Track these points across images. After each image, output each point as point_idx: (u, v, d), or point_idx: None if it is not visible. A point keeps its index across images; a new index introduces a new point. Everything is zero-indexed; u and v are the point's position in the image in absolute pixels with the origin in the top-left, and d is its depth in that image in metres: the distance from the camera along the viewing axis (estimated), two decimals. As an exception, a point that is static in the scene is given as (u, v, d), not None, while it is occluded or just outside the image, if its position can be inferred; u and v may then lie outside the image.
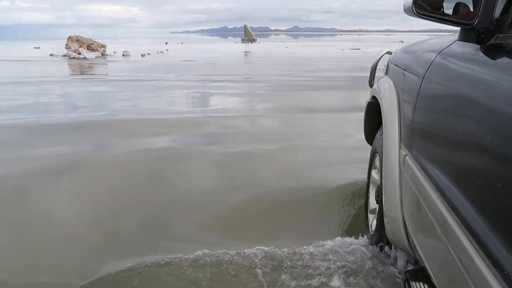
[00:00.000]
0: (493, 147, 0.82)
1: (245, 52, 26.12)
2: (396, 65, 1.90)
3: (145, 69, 14.32)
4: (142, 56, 20.90)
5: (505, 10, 1.03)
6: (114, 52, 22.52)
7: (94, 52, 19.84)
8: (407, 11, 1.21)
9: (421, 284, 1.34)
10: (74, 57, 18.77)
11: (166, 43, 44.73)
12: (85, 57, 18.57)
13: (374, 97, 2.13)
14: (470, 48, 1.13)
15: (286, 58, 18.90)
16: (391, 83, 1.84)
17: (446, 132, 1.11)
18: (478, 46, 1.08)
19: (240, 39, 49.99)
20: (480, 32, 1.08)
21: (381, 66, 2.28)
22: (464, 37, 1.19)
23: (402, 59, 1.85)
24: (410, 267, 1.75)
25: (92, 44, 20.33)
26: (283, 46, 35.23)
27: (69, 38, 20.13)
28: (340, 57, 20.62)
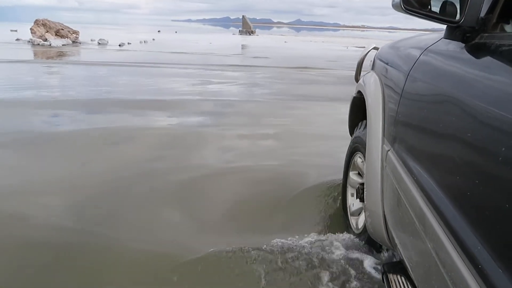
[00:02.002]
0: (473, 144, 0.83)
1: (237, 46, 22.84)
2: (382, 61, 1.89)
3: (99, 59, 12.00)
4: (119, 46, 18.48)
5: (490, 10, 1.03)
6: (91, 40, 20.18)
7: (63, 39, 17.41)
8: (395, 6, 1.21)
9: (399, 276, 1.33)
10: (39, 44, 16.37)
11: (158, 31, 42.36)
12: (50, 44, 16.11)
13: (359, 92, 2.13)
14: (455, 46, 1.14)
15: (280, 58, 15.26)
16: (377, 78, 1.84)
17: (428, 129, 1.12)
18: (463, 44, 1.09)
19: (238, 30, 47.22)
20: (466, 30, 1.08)
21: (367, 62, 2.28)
22: (450, 35, 1.20)
23: (388, 55, 1.84)
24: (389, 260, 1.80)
25: (62, 29, 17.84)
26: (281, 41, 32.08)
27: (36, 21, 17.68)
28: (345, 56, 17.26)
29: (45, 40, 16.71)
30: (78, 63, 11.21)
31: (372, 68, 2.06)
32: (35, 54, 13.41)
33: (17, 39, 18.49)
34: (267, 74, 9.92)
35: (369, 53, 2.36)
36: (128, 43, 19.91)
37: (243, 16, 45.78)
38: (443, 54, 1.22)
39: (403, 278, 1.32)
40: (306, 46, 26.21)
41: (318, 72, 10.85)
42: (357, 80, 2.35)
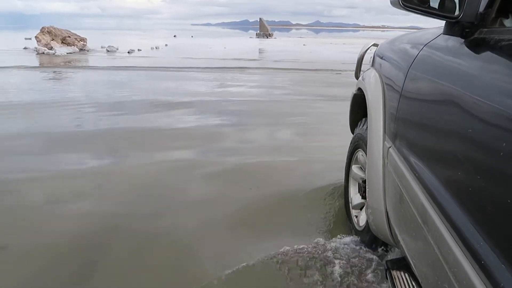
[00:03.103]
0: (473, 139, 0.82)
1: (252, 51, 20.46)
2: (381, 57, 1.88)
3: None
4: (128, 53, 17.59)
5: (489, 5, 1.03)
6: (102, 47, 19.39)
7: (69, 47, 16.46)
8: (394, 3, 1.19)
9: (402, 273, 1.33)
10: (43, 53, 15.53)
11: (174, 36, 41.73)
12: (55, 53, 15.22)
13: (359, 89, 2.12)
14: (455, 42, 1.13)
15: (300, 63, 13.53)
16: (377, 75, 1.83)
17: (428, 125, 1.11)
18: (462, 40, 1.08)
19: (255, 33, 45.98)
20: (465, 26, 1.07)
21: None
22: (449, 30, 1.19)
23: (388, 52, 1.83)
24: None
25: (68, 37, 16.87)
26: (300, 43, 29.72)
27: (42, 29, 16.83)
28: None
29: (51, 48, 15.85)
30: (73, 67, 10.90)
31: (372, 65, 2.04)
32: (33, 63, 12.58)
33: (25, 48, 17.72)
34: (289, 78, 9.07)
35: (368, 50, 2.36)
36: (139, 50, 18.97)
37: (260, 18, 44.26)
38: (442, 49, 1.21)
39: (406, 274, 1.31)
40: (327, 48, 24.24)
41: (342, 76, 9.93)
42: (357, 77, 2.34)
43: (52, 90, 7.52)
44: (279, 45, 27.33)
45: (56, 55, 14.94)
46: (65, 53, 15.30)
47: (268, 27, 42.73)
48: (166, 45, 23.92)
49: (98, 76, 9.49)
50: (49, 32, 16.42)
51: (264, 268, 1.83)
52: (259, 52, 20.28)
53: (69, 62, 12.98)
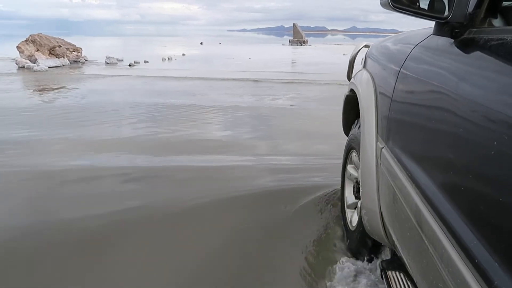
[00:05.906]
0: (464, 139, 0.82)
1: (280, 65, 15.72)
2: (373, 58, 1.89)
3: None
4: (129, 65, 14.48)
5: (478, 5, 1.03)
6: (107, 57, 16.49)
7: (57, 59, 13.49)
8: (384, 4, 1.19)
9: (397, 273, 1.33)
10: (23, 66, 12.59)
11: (201, 43, 38.91)
12: (33, 67, 12.11)
13: (352, 90, 2.12)
14: (444, 42, 1.13)
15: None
16: (369, 76, 1.82)
17: (420, 125, 1.11)
18: (452, 40, 1.08)
19: (288, 40, 42.23)
20: (454, 26, 1.07)
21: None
22: (439, 31, 1.20)
23: (379, 53, 1.83)
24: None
25: (59, 46, 13.82)
26: (339, 52, 24.69)
27: (28, 37, 13.88)
28: None
29: (35, 61, 12.89)
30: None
31: (364, 66, 2.05)
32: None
33: (15, 59, 15.15)
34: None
35: (360, 51, 2.37)
36: (145, 61, 15.89)
37: (294, 24, 40.11)
38: (432, 50, 1.22)
39: (401, 274, 1.31)
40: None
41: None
42: (349, 78, 2.35)
43: None
44: (315, 55, 23.19)
45: (34, 70, 11.92)
46: (46, 67, 12.17)
47: (303, 33, 38.87)
48: (183, 54, 20.70)
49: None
50: (33, 41, 13.45)
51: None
52: (293, 65, 16.50)
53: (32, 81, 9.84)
